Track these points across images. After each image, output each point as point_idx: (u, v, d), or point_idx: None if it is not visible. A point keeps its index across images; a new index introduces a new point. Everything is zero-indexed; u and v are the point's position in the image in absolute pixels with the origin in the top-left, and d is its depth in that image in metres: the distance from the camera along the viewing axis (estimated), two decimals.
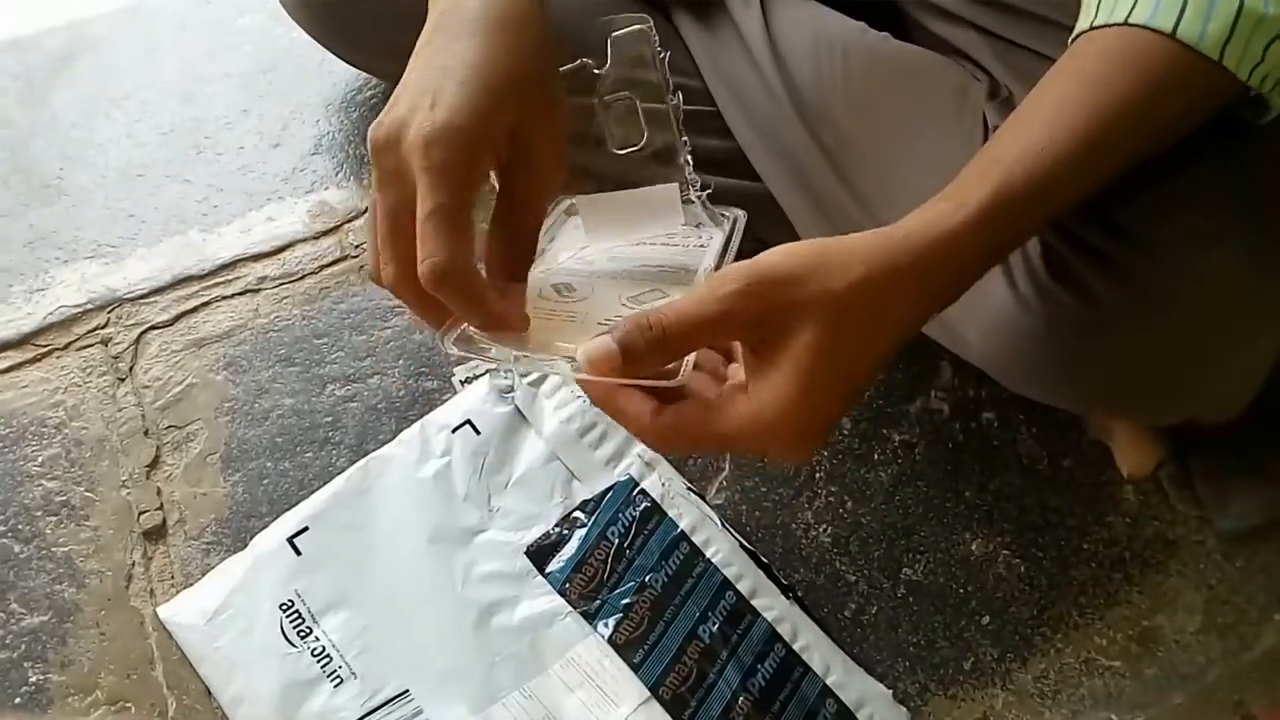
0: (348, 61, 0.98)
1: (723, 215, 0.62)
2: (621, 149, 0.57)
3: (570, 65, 0.56)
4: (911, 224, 0.47)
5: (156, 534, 0.81)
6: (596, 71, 0.56)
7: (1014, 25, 0.57)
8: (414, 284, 0.48)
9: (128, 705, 0.74)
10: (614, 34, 0.55)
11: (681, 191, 0.59)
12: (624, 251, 0.61)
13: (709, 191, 0.61)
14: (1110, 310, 0.56)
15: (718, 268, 0.55)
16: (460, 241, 0.47)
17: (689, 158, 0.59)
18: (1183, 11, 0.48)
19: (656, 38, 0.54)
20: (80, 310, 0.92)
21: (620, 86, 0.56)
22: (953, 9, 0.72)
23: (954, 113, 0.67)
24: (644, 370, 0.47)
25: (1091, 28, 0.52)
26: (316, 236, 0.97)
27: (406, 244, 0.48)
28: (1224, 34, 0.48)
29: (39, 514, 0.82)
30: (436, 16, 0.54)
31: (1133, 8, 0.49)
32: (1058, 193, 0.49)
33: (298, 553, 0.75)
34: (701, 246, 0.60)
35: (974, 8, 0.70)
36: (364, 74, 1.05)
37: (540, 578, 0.75)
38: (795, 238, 0.50)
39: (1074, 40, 0.53)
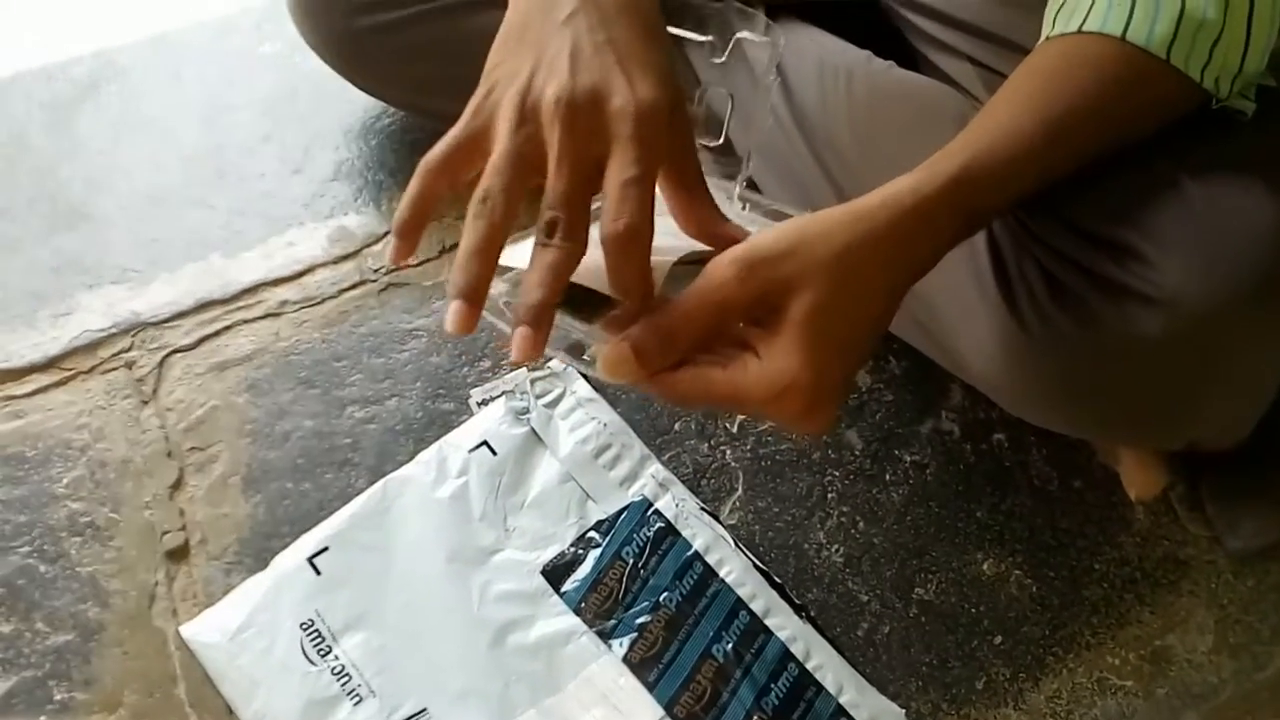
0: (364, 91, 1.00)
1: (779, 214, 0.62)
2: (702, 139, 0.59)
3: (696, 37, 0.59)
4: (887, 193, 0.52)
5: (179, 554, 0.82)
6: (715, 60, 0.58)
7: (1007, 60, 0.59)
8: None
9: None
10: (742, 35, 0.57)
11: (737, 187, 0.62)
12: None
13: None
14: (1111, 336, 0.57)
15: None
16: (651, 209, 0.51)
17: (750, 161, 0.61)
18: (1130, 17, 0.54)
19: (781, 55, 0.57)
20: (105, 334, 0.94)
21: (720, 82, 0.59)
22: (950, 42, 0.73)
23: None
24: (660, 366, 0.50)
25: (1048, 38, 0.58)
26: (336, 261, 0.99)
27: (586, 195, 0.51)
28: (1169, 35, 0.54)
29: (64, 534, 0.83)
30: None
31: (1085, 17, 0.56)
32: (1023, 170, 0.54)
33: (318, 572, 0.76)
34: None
35: (970, 40, 0.72)
36: (382, 102, 1.07)
37: (556, 597, 0.76)
38: None
39: (1032, 55, 0.59)
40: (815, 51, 0.78)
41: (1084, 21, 0.56)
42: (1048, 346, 0.60)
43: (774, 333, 0.50)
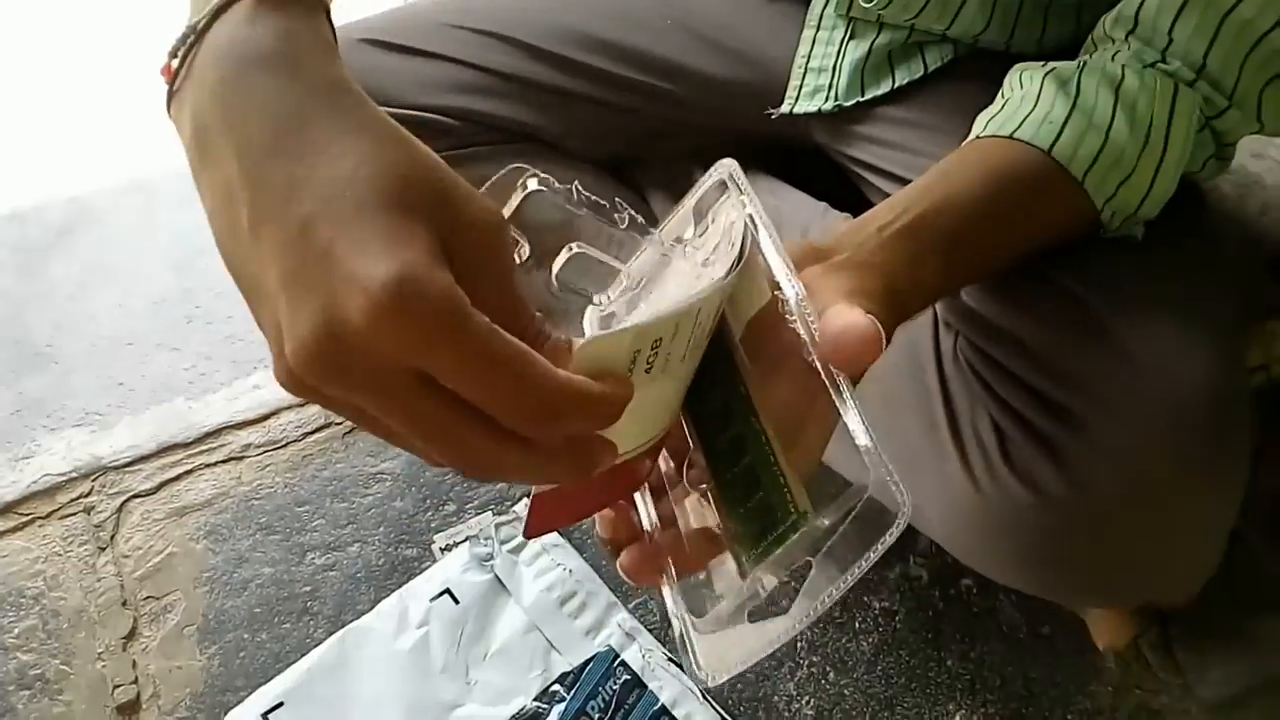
0: None
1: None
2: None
3: (613, 262, 0.47)
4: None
5: (130, 709, 0.80)
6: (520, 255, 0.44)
7: None
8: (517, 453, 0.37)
9: None
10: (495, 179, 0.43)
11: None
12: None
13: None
14: (1057, 501, 0.57)
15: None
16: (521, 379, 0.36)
17: None
18: (1060, 135, 0.57)
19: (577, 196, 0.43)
20: (65, 479, 0.93)
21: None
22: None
23: None
24: None
25: (979, 137, 0.60)
26: (302, 404, 0.99)
27: (482, 424, 0.37)
28: (1089, 160, 0.56)
29: (12, 688, 0.80)
30: (247, 139, 0.38)
31: (1019, 126, 0.58)
32: (949, 233, 0.54)
33: None
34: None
35: None
36: None
37: None
38: None
39: (967, 143, 0.60)
40: (773, 204, 0.80)
41: (1018, 129, 0.58)
42: (1001, 509, 0.60)
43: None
